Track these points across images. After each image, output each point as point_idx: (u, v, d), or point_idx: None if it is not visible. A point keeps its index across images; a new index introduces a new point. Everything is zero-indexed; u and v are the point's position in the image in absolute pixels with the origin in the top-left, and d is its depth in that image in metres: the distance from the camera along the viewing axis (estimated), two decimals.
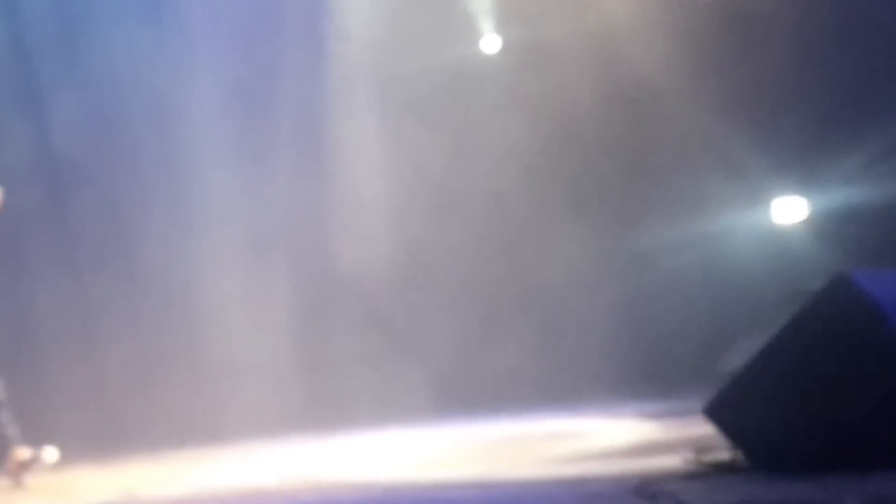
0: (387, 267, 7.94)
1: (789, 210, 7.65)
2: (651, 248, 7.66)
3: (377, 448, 5.91)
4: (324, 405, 7.48)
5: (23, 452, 5.54)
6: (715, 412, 3.49)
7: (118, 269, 7.81)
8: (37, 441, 5.64)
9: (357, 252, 7.87)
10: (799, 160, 7.42)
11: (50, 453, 5.59)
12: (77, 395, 7.31)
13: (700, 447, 3.72)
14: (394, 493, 4.19)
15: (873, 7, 7.24)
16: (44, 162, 7.08)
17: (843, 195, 7.27)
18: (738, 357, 4.00)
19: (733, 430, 3.44)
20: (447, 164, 8.04)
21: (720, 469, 3.53)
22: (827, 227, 7.37)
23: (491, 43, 8.47)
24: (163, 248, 8.04)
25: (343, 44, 8.48)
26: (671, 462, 3.79)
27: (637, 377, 7.24)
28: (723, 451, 3.57)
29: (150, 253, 8.02)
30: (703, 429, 3.73)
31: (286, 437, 6.83)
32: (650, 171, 7.83)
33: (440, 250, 8.03)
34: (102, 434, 6.99)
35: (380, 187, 8.07)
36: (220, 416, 7.40)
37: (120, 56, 7.98)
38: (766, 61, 7.42)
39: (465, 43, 8.46)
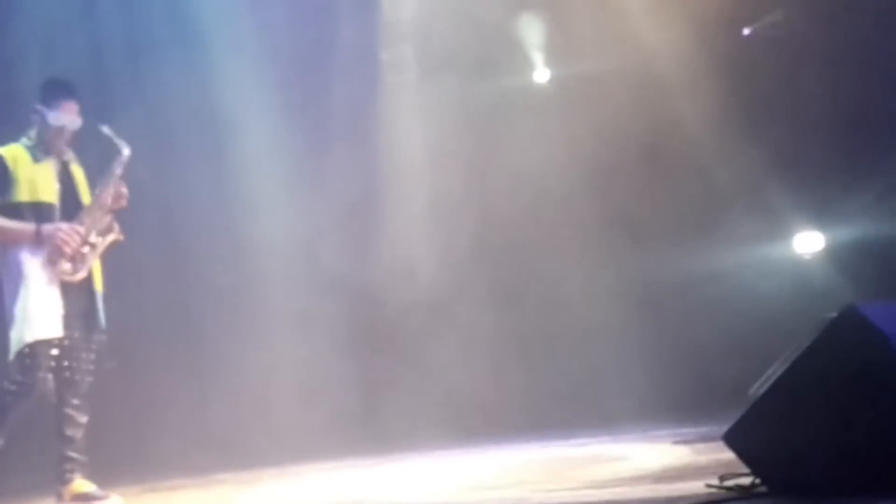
0: (429, 292, 8.10)
1: (809, 243, 7.82)
2: (684, 277, 7.78)
3: (418, 473, 6.01)
4: (370, 431, 7.66)
5: (84, 486, 5.44)
6: (733, 439, 3.59)
7: (172, 292, 8.01)
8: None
9: (399, 280, 8.03)
10: (819, 195, 7.55)
11: (114, 502, 5.44)
12: (126, 423, 7.48)
13: (726, 472, 3.83)
14: None
15: None
16: None
17: (859, 229, 7.41)
18: (766, 383, 4.08)
19: (750, 457, 3.55)
20: (492, 192, 8.20)
21: (740, 494, 3.62)
22: (844, 259, 7.50)
23: (542, 74, 8.65)
24: (216, 273, 8.29)
25: (396, 71, 8.69)
26: (697, 487, 3.89)
27: (674, 402, 7.33)
28: (745, 477, 3.68)
29: (204, 277, 8.26)
30: (732, 454, 3.81)
31: (328, 462, 7.00)
32: (683, 204, 7.96)
33: (481, 277, 8.18)
34: (147, 460, 7.10)
35: (425, 215, 8.23)
36: (265, 441, 7.58)
37: (175, 79, 8.25)
38: (794, 98, 7.54)
39: (516, 73, 8.64)
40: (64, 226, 5.46)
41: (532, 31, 8.72)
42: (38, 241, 5.39)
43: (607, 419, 7.37)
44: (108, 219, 5.63)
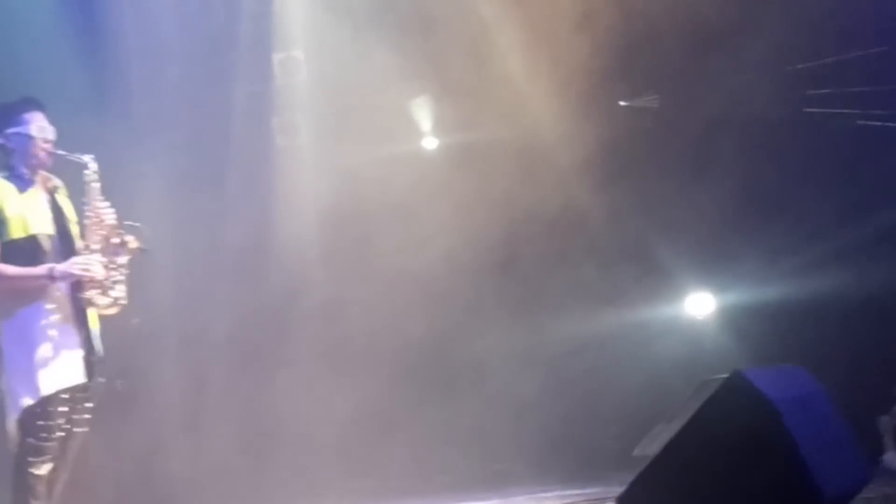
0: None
1: (701, 305, 8.19)
2: (573, 339, 8.01)
3: None
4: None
5: None
6: (626, 502, 3.75)
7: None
8: None
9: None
10: (709, 259, 7.92)
11: None
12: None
13: None
14: None
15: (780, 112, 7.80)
16: None
17: (749, 293, 7.79)
18: (653, 444, 4.27)
19: None
20: (382, 258, 8.33)
21: None
22: (734, 322, 7.88)
23: (430, 142, 8.90)
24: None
25: (286, 136, 8.79)
26: None
27: (561, 463, 7.52)
28: None
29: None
30: None
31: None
32: (573, 267, 8.21)
33: (382, 337, 8.26)
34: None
35: (320, 275, 8.31)
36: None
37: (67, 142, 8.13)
38: (678, 166, 7.92)
39: (405, 141, 8.84)
40: (77, 257, 4.80)
41: (419, 100, 8.93)
42: (52, 282, 4.71)
43: (494, 480, 7.49)
44: (113, 235, 4.94)
